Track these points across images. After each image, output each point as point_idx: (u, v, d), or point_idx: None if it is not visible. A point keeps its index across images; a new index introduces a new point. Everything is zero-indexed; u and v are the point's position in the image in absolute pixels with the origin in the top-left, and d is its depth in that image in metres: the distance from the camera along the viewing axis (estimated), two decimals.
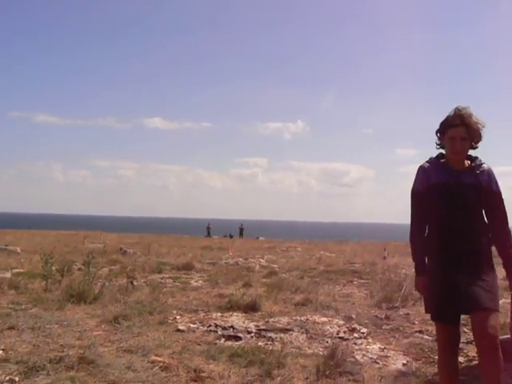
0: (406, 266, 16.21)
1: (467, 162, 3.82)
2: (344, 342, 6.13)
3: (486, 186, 3.72)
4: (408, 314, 8.42)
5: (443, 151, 3.90)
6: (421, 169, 3.86)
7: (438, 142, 3.91)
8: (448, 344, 3.82)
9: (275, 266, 16.01)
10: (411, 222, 3.90)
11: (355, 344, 6.22)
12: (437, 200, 3.72)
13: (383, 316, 8.22)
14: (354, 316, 7.99)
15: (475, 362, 5.75)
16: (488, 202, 3.74)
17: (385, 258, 19.67)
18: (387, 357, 5.79)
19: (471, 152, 3.88)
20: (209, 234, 50.45)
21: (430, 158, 3.92)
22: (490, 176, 3.77)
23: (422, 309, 8.75)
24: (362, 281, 12.75)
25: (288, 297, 9.54)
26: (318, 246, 30.78)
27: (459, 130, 3.68)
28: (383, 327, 7.45)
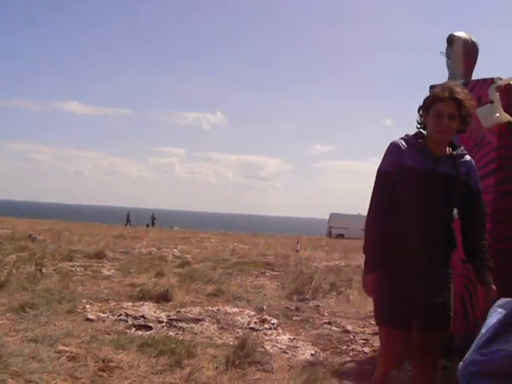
0: (318, 259, 16.63)
1: (448, 149, 3.29)
2: (254, 333, 6.17)
3: (464, 181, 3.23)
4: (318, 306, 8.64)
5: (424, 132, 3.35)
6: (394, 146, 3.27)
7: (420, 121, 3.36)
8: (396, 352, 3.30)
9: (188, 256, 15.95)
10: (370, 206, 3.31)
11: (265, 335, 6.30)
12: (407, 188, 3.19)
13: (294, 307, 8.39)
14: (265, 307, 8.07)
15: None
16: (463, 199, 3.26)
17: (297, 250, 20.02)
18: (296, 347, 5.90)
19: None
20: (128, 223, 49.69)
21: (406, 135, 3.33)
22: (470, 170, 3.27)
23: (332, 301, 9.11)
24: (275, 273, 12.90)
25: (200, 287, 9.53)
26: (233, 237, 30.90)
27: (448, 105, 3.13)
28: (293, 318, 7.59)
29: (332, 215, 50.19)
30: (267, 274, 12.58)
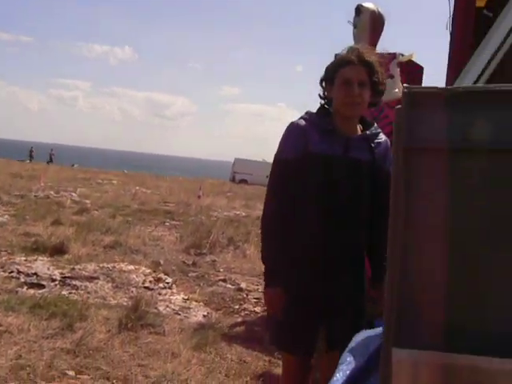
0: (219, 208, 16.77)
1: (360, 128, 2.73)
2: (149, 293, 6.26)
3: (379, 166, 2.64)
4: (214, 261, 8.79)
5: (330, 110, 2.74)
6: (294, 128, 2.66)
7: (323, 96, 2.75)
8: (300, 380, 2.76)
9: (88, 201, 15.60)
10: (266, 201, 2.73)
11: (160, 294, 6.39)
12: (312, 179, 2.61)
13: (191, 262, 8.51)
14: (162, 261, 8.15)
15: None
16: (377, 187, 2.62)
17: (199, 196, 19.99)
18: (189, 308, 6.05)
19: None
20: (31, 159, 47.94)
21: (308, 113, 2.72)
22: (386, 152, 2.66)
23: (228, 256, 9.28)
24: (175, 222, 12.93)
25: (98, 238, 9.45)
26: (135, 179, 30.41)
27: (357, 70, 2.57)
28: (189, 274, 7.71)
29: (236, 160, 50.21)
30: (167, 224, 12.60)
